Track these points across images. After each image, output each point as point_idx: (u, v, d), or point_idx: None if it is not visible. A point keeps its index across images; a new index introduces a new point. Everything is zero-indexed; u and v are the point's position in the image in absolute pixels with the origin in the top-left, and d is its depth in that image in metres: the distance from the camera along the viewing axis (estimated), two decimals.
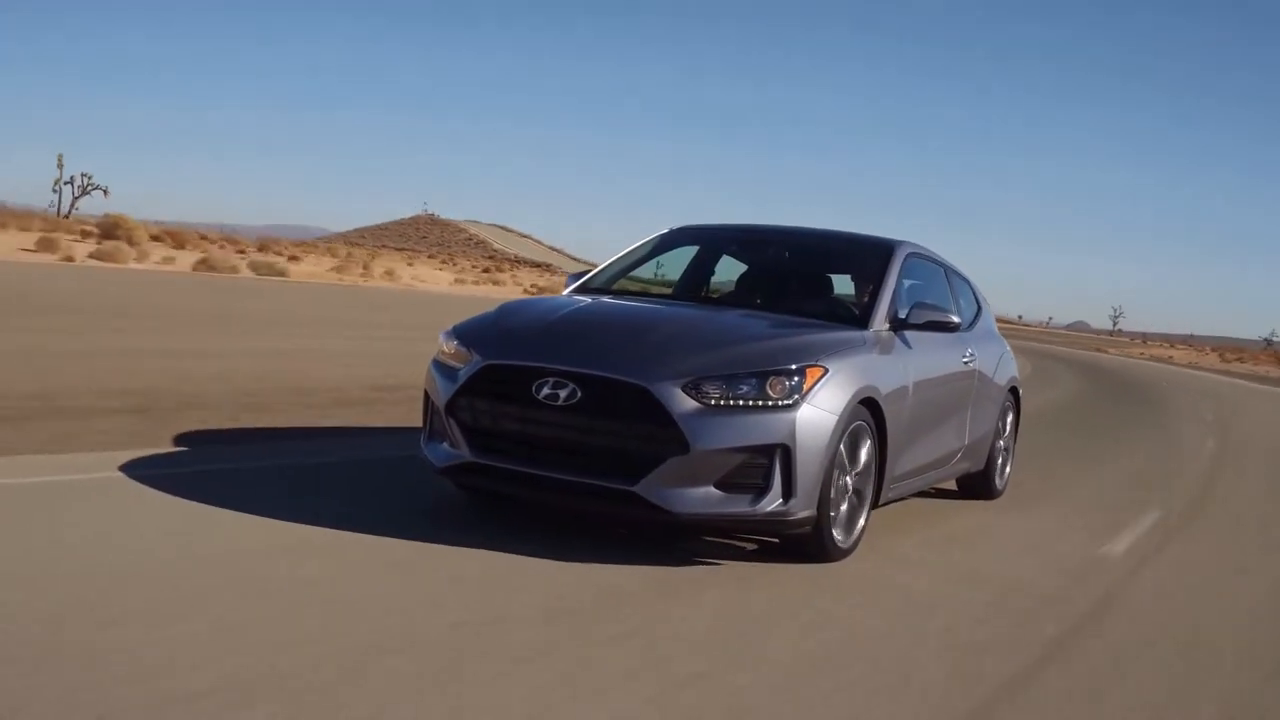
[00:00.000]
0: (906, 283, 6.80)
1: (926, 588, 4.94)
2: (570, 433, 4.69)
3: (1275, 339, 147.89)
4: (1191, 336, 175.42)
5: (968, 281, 7.56)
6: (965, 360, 6.65)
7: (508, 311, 5.52)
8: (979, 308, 7.56)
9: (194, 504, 4.91)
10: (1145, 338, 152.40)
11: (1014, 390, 7.73)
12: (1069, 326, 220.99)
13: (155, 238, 39.15)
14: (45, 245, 29.90)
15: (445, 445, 5.06)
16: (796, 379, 4.71)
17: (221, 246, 43.53)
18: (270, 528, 4.67)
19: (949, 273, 7.16)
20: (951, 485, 7.59)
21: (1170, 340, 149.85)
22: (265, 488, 5.40)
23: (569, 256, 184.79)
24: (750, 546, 5.21)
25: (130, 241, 34.73)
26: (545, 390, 4.71)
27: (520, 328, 5.21)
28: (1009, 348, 7.92)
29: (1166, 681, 4.07)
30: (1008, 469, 7.77)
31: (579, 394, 4.66)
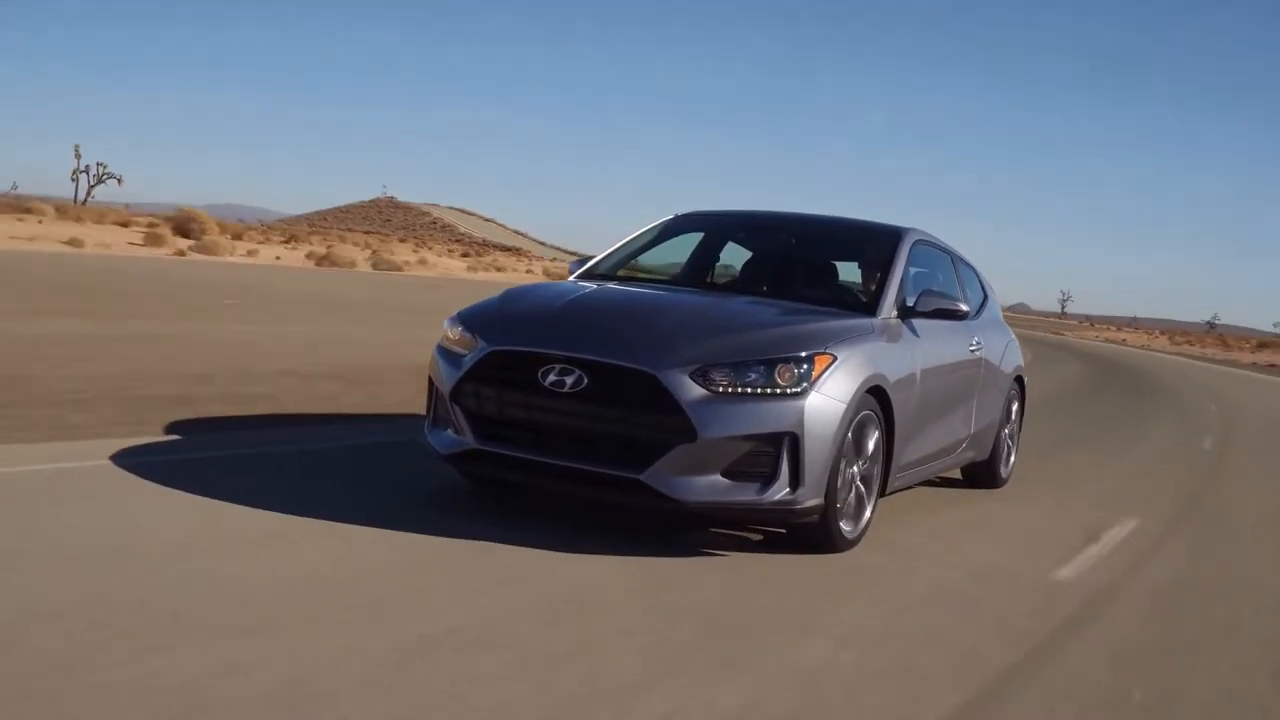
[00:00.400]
0: (913, 270, 6.76)
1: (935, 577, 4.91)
2: (576, 420, 4.64)
3: (1218, 322, 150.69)
4: (1135, 319, 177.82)
5: (974, 269, 7.51)
6: (972, 349, 6.60)
7: (513, 297, 5.46)
8: (985, 296, 7.51)
9: None
10: (1092, 320, 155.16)
11: (1019, 379, 7.69)
12: (1009, 309, 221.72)
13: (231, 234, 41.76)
14: (152, 240, 33.45)
15: (449, 432, 5.01)
16: (805, 367, 4.66)
17: (265, 236, 45.06)
18: None
19: (955, 260, 7.11)
20: (956, 474, 7.57)
21: (1115, 323, 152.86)
22: None
23: (535, 240, 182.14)
24: (756, 537, 5.18)
25: (202, 234, 37.55)
26: (551, 377, 4.66)
27: (526, 313, 5.16)
28: (1014, 336, 7.87)
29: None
30: (1012, 458, 7.74)
31: (585, 381, 4.61)
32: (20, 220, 34.94)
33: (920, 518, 6.14)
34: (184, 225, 38.36)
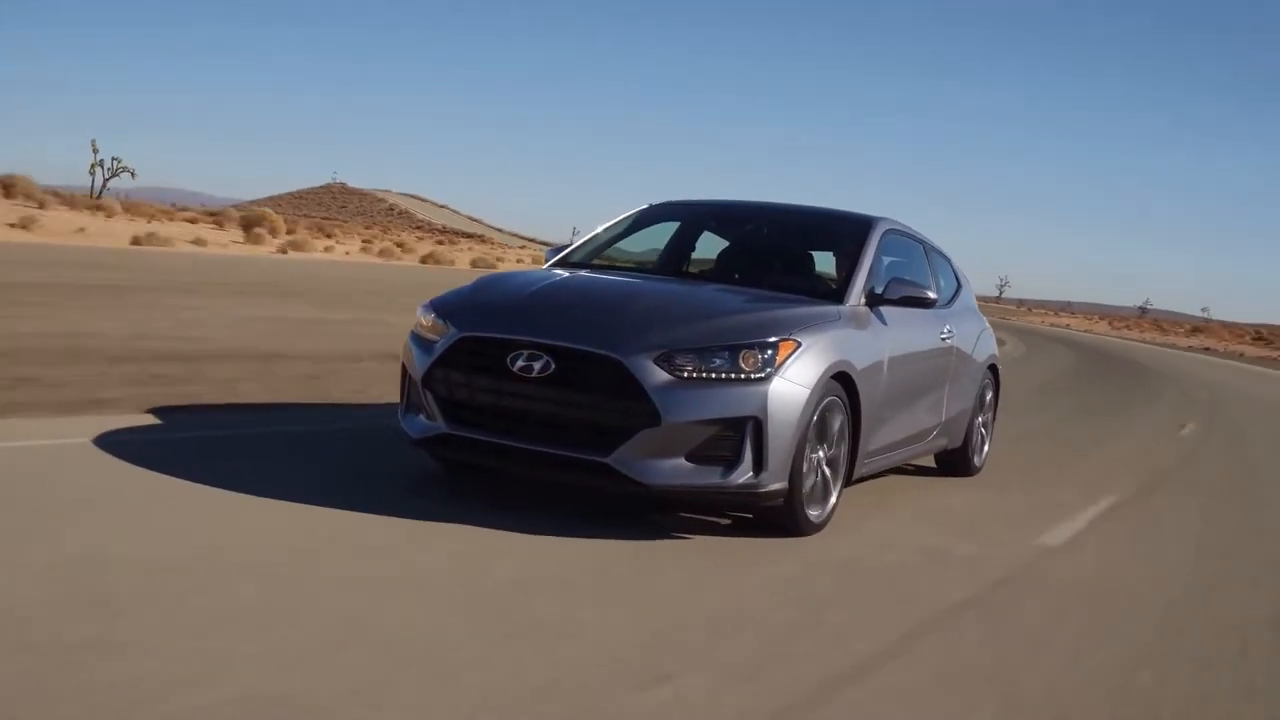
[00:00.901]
0: (887, 259, 6.82)
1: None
2: (544, 405, 4.72)
3: (1149, 307, 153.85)
4: (1069, 304, 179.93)
5: (947, 259, 7.58)
6: (943, 337, 6.67)
7: (484, 285, 5.53)
8: (959, 285, 7.59)
9: None
10: (1028, 305, 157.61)
11: (993, 368, 7.75)
12: None
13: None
14: (253, 239, 36.92)
15: (421, 417, 5.09)
16: (769, 352, 4.73)
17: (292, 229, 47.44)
18: None
19: (928, 249, 7.18)
20: (930, 462, 7.65)
21: (1049, 308, 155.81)
22: None
23: (490, 226, 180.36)
24: (725, 521, 5.25)
25: (272, 232, 41.82)
26: (520, 362, 4.73)
27: (496, 301, 5.23)
28: (988, 325, 7.94)
29: None
30: (986, 446, 7.81)
31: (553, 366, 4.68)
32: (93, 215, 36.58)
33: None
34: (253, 221, 42.94)
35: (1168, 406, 15.90)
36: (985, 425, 7.73)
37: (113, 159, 65.13)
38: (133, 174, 66.34)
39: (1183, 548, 6.12)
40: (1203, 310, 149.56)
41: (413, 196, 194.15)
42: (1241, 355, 49.13)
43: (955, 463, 7.46)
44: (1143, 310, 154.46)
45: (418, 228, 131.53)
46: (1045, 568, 5.20)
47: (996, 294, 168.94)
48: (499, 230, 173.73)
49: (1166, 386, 20.33)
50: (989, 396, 7.77)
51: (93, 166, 64.12)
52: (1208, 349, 55.85)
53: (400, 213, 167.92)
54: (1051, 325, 79.54)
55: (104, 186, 63.66)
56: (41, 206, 37.05)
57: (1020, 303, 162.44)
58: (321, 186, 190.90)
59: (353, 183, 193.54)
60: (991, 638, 4.04)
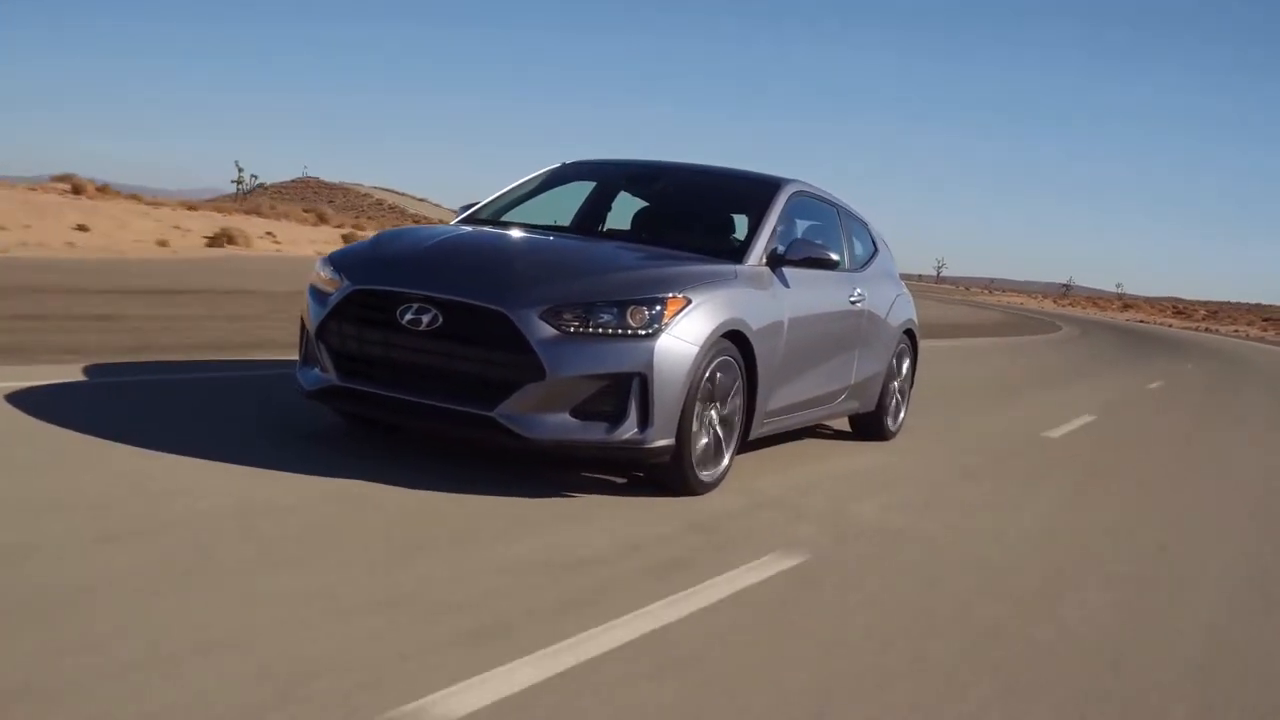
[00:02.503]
0: (805, 223, 6.85)
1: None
2: (432, 358, 4.71)
3: (1073, 285, 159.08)
4: (993, 281, 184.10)
5: (864, 223, 7.60)
6: (853, 300, 6.70)
7: (383, 239, 5.50)
8: (875, 249, 7.61)
9: None
10: (965, 285, 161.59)
11: (910, 333, 7.80)
12: None
13: None
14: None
15: (316, 370, 5.07)
16: (657, 309, 4.74)
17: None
18: None
19: (843, 213, 7.19)
20: (846, 426, 7.71)
21: (979, 285, 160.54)
22: None
23: None
24: (620, 480, 5.28)
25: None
26: (409, 315, 4.72)
27: (391, 255, 5.20)
28: (906, 290, 7.97)
29: None
30: (902, 412, 7.87)
31: (441, 319, 4.67)
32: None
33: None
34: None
35: None
36: (901, 390, 7.78)
37: (251, 176, 63.92)
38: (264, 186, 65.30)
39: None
40: (1117, 286, 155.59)
41: (388, 190, 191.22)
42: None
43: (869, 427, 7.52)
44: (1066, 287, 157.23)
45: (416, 220, 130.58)
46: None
47: (935, 274, 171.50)
48: None
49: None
50: (905, 362, 7.81)
51: (238, 181, 62.34)
52: (1143, 321, 61.21)
53: (390, 206, 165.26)
54: (1003, 304, 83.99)
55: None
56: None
57: (956, 283, 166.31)
58: (294, 181, 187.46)
59: (324, 177, 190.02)
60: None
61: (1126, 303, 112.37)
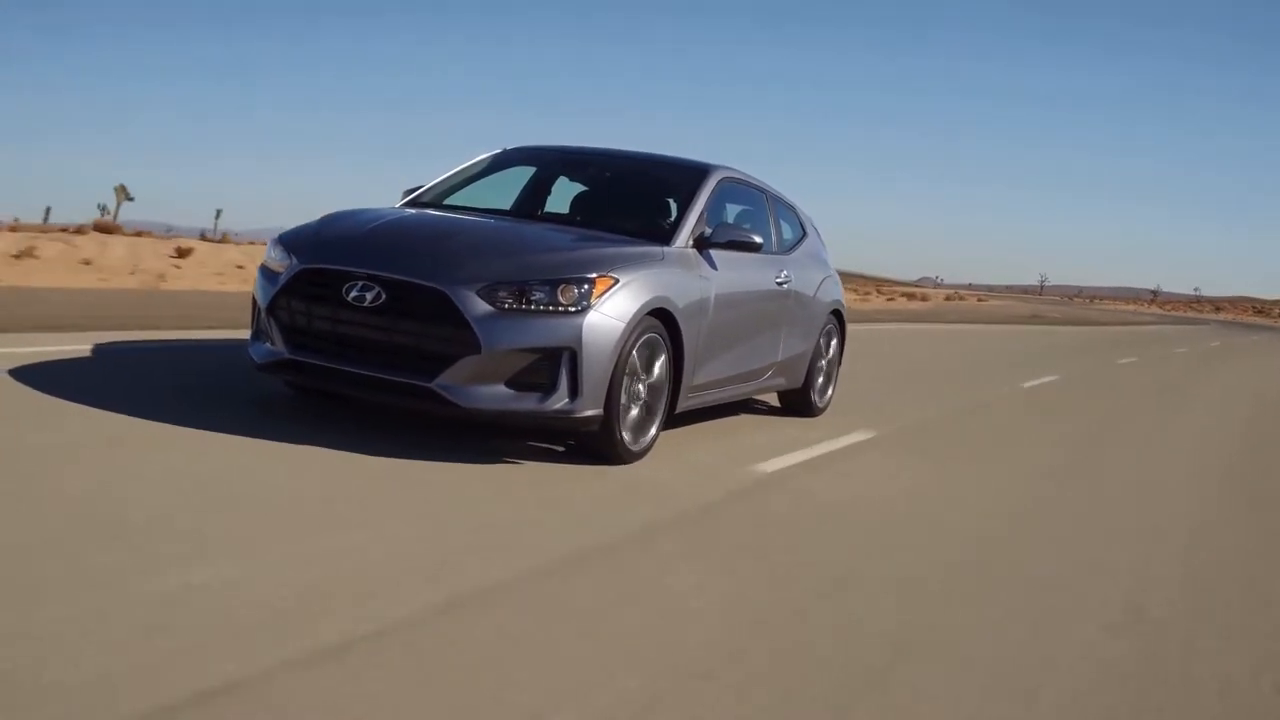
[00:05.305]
0: (735, 208, 7.22)
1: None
2: (375, 332, 5.05)
3: (1160, 291, 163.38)
4: (1081, 290, 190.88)
5: (793, 208, 7.98)
6: (779, 281, 7.07)
7: (329, 221, 5.80)
8: (804, 233, 7.98)
9: None
10: (1068, 295, 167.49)
11: (837, 313, 8.17)
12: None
13: None
14: None
15: (266, 344, 5.38)
16: (586, 287, 5.09)
17: None
18: None
19: (771, 199, 7.56)
20: (775, 401, 8.09)
21: (1076, 295, 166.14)
22: None
23: None
24: (560, 448, 5.63)
25: None
26: (354, 292, 5.05)
27: (336, 236, 5.51)
28: (835, 273, 8.35)
29: None
30: (830, 389, 8.25)
31: (384, 296, 5.00)
32: None
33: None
34: None
35: None
36: (829, 367, 8.17)
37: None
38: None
39: None
40: (1195, 289, 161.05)
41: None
42: None
43: (797, 403, 7.91)
44: (1154, 294, 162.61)
45: None
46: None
47: (1039, 287, 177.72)
48: None
49: None
50: (833, 341, 8.20)
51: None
52: (1236, 319, 67.37)
53: None
54: (1119, 311, 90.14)
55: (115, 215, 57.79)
56: None
57: (1058, 293, 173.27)
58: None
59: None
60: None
61: (1216, 305, 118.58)
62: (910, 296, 62.42)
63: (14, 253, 15.25)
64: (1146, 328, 50.49)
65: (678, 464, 5.67)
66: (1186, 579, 4.80)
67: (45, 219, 36.52)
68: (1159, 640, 3.83)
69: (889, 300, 52.89)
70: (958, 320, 36.12)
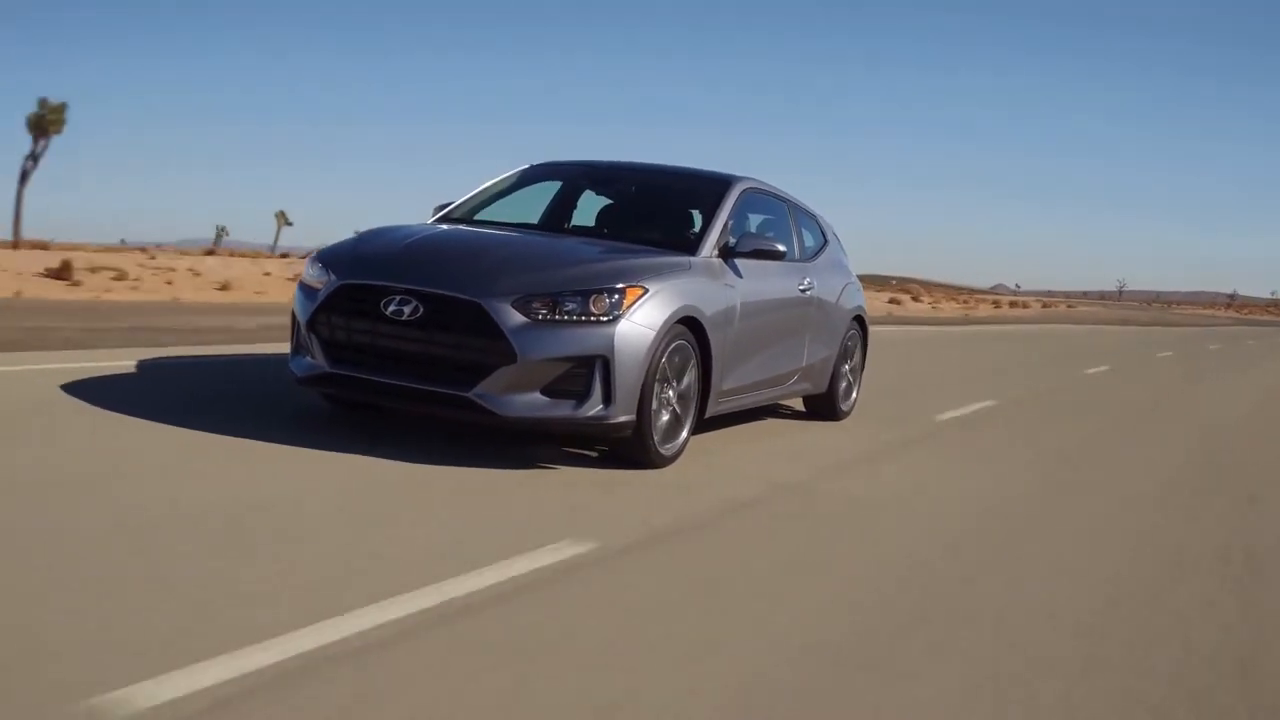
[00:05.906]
0: (758, 218, 7.37)
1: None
2: (413, 345, 5.22)
3: (1237, 295, 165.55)
4: (1159, 295, 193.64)
5: (815, 217, 8.12)
6: (802, 288, 7.21)
7: (365, 238, 5.99)
8: (825, 241, 8.12)
9: None
10: (1147, 300, 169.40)
11: (859, 319, 8.31)
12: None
13: None
14: None
15: (307, 358, 5.56)
16: (617, 297, 5.25)
17: None
18: None
19: (793, 208, 7.71)
20: (800, 406, 8.21)
21: (1153, 300, 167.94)
22: None
23: None
24: (593, 454, 5.77)
25: None
26: (392, 307, 5.22)
27: (374, 252, 5.68)
28: (856, 279, 8.49)
29: None
30: (854, 393, 8.38)
31: (421, 310, 5.18)
32: None
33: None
34: None
35: None
36: (852, 372, 8.29)
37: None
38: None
39: None
40: (1272, 293, 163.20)
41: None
42: None
43: (821, 407, 8.04)
44: (1231, 298, 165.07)
45: None
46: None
47: (1117, 293, 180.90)
48: None
49: None
50: (856, 346, 8.33)
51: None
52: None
53: None
54: (1200, 316, 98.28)
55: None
56: None
57: (1136, 299, 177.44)
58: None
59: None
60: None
61: (1071, 303, 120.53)
62: (997, 304, 66.82)
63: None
64: (1223, 329, 62.02)
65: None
66: None
67: (217, 239, 36.96)
68: None
69: (995, 307, 59.88)
70: (1067, 321, 48.51)
